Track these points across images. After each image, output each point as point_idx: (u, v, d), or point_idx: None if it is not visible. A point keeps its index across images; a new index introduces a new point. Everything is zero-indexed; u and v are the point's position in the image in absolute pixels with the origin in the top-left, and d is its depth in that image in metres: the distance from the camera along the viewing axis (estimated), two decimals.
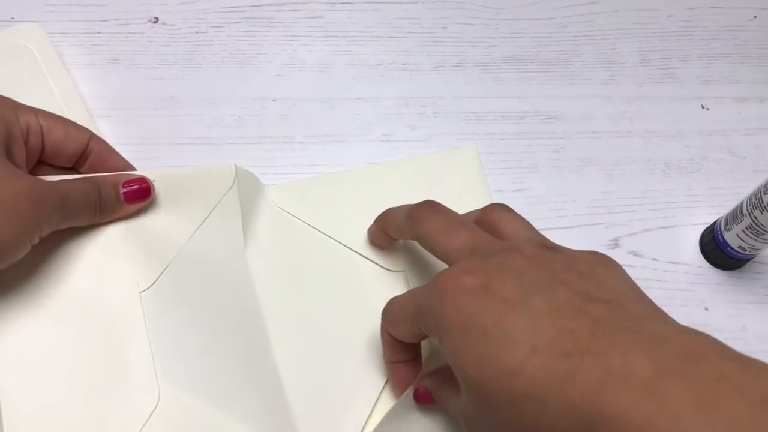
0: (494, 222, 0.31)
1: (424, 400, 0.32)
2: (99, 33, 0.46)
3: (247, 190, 0.38)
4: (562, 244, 0.41)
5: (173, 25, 0.47)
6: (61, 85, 0.42)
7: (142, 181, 0.35)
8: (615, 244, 0.42)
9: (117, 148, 0.38)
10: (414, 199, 0.33)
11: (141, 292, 0.34)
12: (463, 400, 0.26)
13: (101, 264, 0.34)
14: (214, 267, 0.36)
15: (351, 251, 0.39)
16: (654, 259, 0.42)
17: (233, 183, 0.37)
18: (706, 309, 0.40)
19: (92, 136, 0.35)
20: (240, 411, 0.32)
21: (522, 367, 0.22)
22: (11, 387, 0.30)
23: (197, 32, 0.47)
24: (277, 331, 0.36)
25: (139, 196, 0.34)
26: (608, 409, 0.20)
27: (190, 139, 0.43)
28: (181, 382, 0.32)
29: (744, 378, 0.20)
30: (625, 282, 0.26)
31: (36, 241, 0.30)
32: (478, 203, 0.35)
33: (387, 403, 0.35)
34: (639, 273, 0.41)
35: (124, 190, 0.34)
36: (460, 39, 0.48)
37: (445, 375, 0.31)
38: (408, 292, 0.30)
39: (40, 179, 0.30)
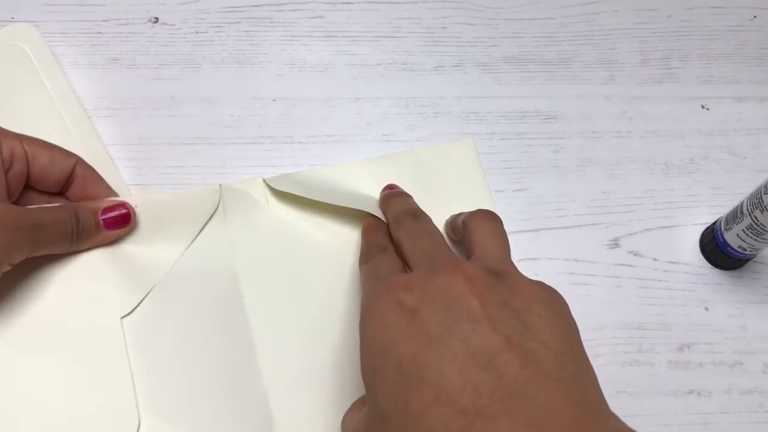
0: (471, 229, 0.32)
1: None
2: (99, 33, 0.46)
3: (236, 209, 0.38)
4: (563, 245, 0.41)
5: (173, 25, 0.47)
6: (57, 86, 0.42)
7: (123, 206, 0.34)
8: (615, 244, 0.42)
9: (117, 148, 0.37)
10: (411, 192, 0.34)
11: (122, 317, 0.33)
12: (364, 416, 0.27)
13: (81, 289, 0.33)
14: (201, 290, 0.36)
15: (344, 252, 0.38)
16: (654, 259, 0.42)
17: (218, 204, 0.38)
18: (706, 309, 0.40)
19: (78, 161, 0.35)
20: None
21: (423, 413, 0.23)
22: None
23: (197, 32, 0.47)
24: (266, 355, 0.35)
25: (120, 222, 0.34)
26: None
27: (190, 139, 0.43)
28: (164, 411, 0.32)
29: None
30: (556, 327, 0.25)
31: (6, 268, 0.29)
32: (475, 196, 0.36)
33: None
34: (639, 273, 0.41)
35: (104, 216, 0.34)
36: (460, 39, 0.48)
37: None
38: (375, 267, 0.31)
39: (13, 206, 0.30)
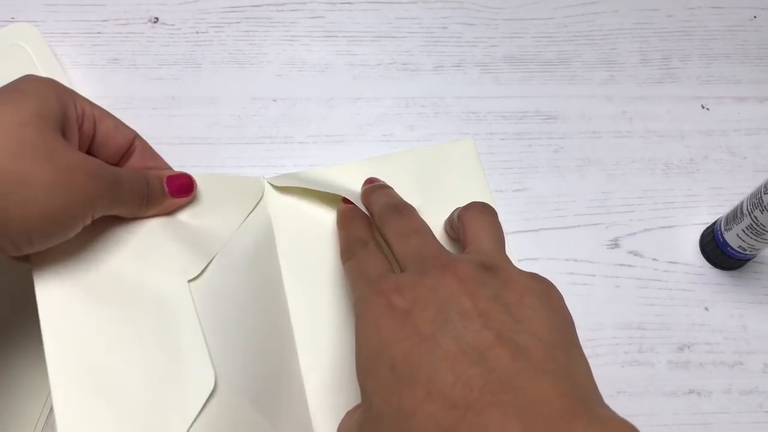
0: (465, 223, 0.32)
1: None
2: (99, 33, 0.46)
3: (277, 201, 0.40)
4: (563, 245, 0.41)
5: (173, 25, 0.47)
6: None
7: (186, 176, 0.35)
8: (615, 244, 0.42)
9: None
10: (412, 191, 0.34)
11: (189, 281, 0.33)
12: (358, 418, 0.27)
13: (147, 251, 0.33)
14: (249, 271, 0.37)
15: None
16: (654, 259, 0.42)
17: (263, 194, 0.40)
18: (706, 309, 0.40)
19: (137, 135, 0.35)
20: (276, 416, 0.33)
21: (416, 410, 0.23)
22: (63, 368, 0.29)
23: (197, 32, 0.47)
24: (302, 341, 0.37)
25: (184, 190, 0.34)
26: None
27: (190, 139, 0.43)
28: (227, 377, 0.32)
29: None
30: (549, 320, 0.25)
31: (88, 221, 0.29)
32: (475, 196, 0.36)
33: None
34: (639, 273, 0.41)
35: (169, 184, 0.34)
36: (460, 39, 0.48)
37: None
38: (361, 266, 0.32)
39: (93, 158, 0.30)
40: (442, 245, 0.30)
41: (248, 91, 0.45)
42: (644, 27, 0.49)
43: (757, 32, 0.50)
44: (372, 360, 0.26)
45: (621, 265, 0.41)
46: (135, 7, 0.47)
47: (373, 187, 0.38)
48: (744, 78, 0.48)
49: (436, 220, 0.35)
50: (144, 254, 0.33)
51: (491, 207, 0.33)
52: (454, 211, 0.34)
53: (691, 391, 0.38)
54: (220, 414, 0.30)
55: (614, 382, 0.38)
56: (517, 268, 0.28)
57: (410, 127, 0.45)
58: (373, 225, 0.36)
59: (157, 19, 0.47)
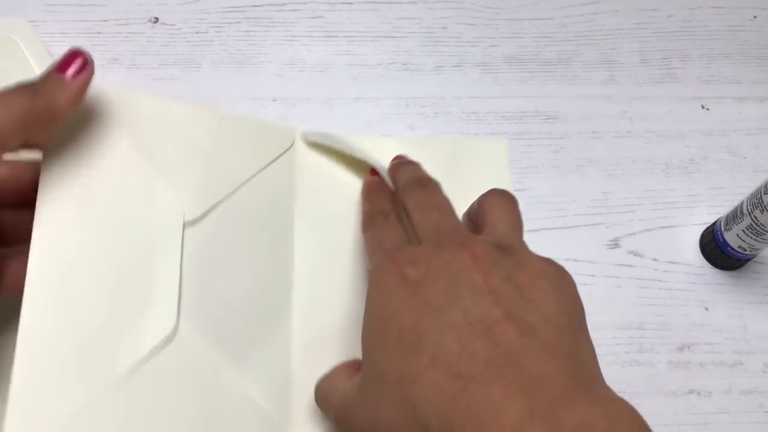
0: (485, 208, 0.32)
1: None
2: (99, 33, 0.46)
3: (305, 156, 0.41)
4: (563, 245, 0.41)
5: (173, 25, 0.47)
6: None
7: (73, 53, 0.31)
8: (615, 244, 0.42)
9: None
10: (437, 179, 0.35)
11: (185, 223, 0.33)
12: (348, 391, 0.28)
13: (152, 182, 0.32)
14: (258, 221, 0.37)
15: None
16: (654, 259, 0.42)
17: (292, 145, 0.40)
18: (706, 309, 0.40)
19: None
20: (245, 367, 0.33)
21: (419, 376, 0.23)
22: (40, 271, 0.28)
23: (197, 32, 0.47)
24: (300, 301, 0.37)
25: (78, 63, 0.30)
26: None
27: None
28: (200, 322, 0.32)
29: (604, 423, 0.21)
30: (560, 303, 0.26)
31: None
32: None
33: None
34: (639, 273, 0.41)
35: (59, 68, 0.30)
36: (460, 39, 0.48)
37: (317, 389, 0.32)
38: (380, 236, 0.32)
39: None
40: (460, 223, 0.30)
41: (248, 91, 0.45)
42: (644, 27, 0.49)
43: (757, 32, 0.50)
44: (380, 325, 0.26)
45: (621, 265, 0.41)
46: (135, 7, 0.47)
47: (401, 162, 0.38)
48: (744, 78, 0.48)
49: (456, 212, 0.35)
50: (148, 186, 0.32)
51: (512, 194, 0.33)
52: (474, 202, 0.34)
53: (691, 391, 0.38)
54: (177, 358, 0.31)
55: (614, 382, 0.38)
56: (532, 252, 0.28)
57: (410, 127, 0.45)
58: (396, 199, 0.36)
59: (157, 19, 0.47)
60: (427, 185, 0.33)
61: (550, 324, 0.24)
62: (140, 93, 0.34)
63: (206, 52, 0.46)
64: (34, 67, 0.42)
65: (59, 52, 0.44)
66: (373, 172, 0.39)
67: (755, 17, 0.50)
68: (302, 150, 0.41)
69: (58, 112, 0.28)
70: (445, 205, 0.32)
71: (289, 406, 0.35)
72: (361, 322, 0.37)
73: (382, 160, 0.40)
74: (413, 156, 0.41)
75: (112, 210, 0.31)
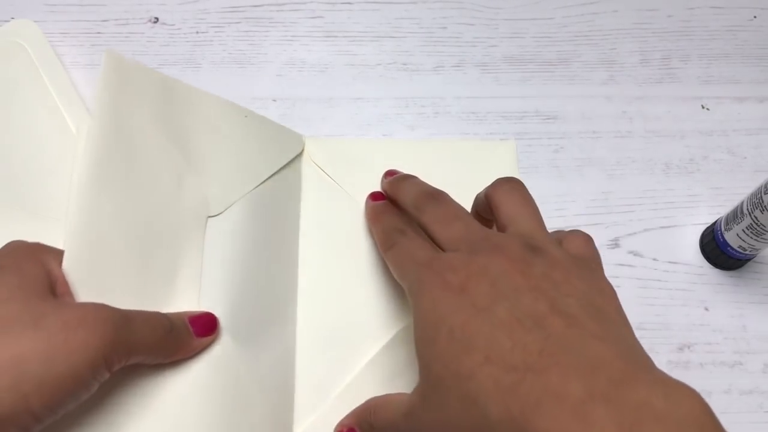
0: (498, 203, 0.32)
1: None
2: (99, 33, 0.46)
3: (312, 162, 0.42)
4: None
5: (173, 25, 0.47)
6: (58, 84, 0.42)
7: (209, 315, 0.33)
8: (615, 244, 0.42)
9: None
10: (446, 182, 0.35)
11: (209, 217, 0.35)
12: (412, 396, 0.28)
13: (183, 173, 0.34)
14: (271, 218, 0.38)
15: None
16: (654, 259, 0.42)
17: (302, 150, 0.42)
18: (706, 309, 0.40)
19: None
20: (255, 356, 0.34)
21: (474, 373, 0.24)
22: (75, 250, 0.29)
23: (197, 32, 0.47)
24: (304, 293, 0.38)
25: (208, 328, 0.32)
26: (541, 427, 0.22)
27: None
28: (216, 311, 0.33)
29: (665, 404, 0.21)
30: (594, 297, 0.26)
31: (104, 375, 0.26)
32: None
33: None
34: (639, 273, 0.41)
35: (193, 323, 0.31)
36: (460, 39, 0.48)
37: (367, 405, 0.33)
38: (405, 251, 0.32)
39: (93, 304, 0.27)
40: (484, 227, 0.31)
41: (248, 91, 0.45)
42: (644, 27, 0.49)
43: (757, 32, 0.50)
44: (430, 331, 0.27)
45: (621, 265, 0.41)
46: (135, 7, 0.47)
47: (398, 178, 0.38)
48: (744, 78, 0.48)
49: None
50: (179, 177, 0.34)
51: (519, 181, 0.33)
52: (481, 193, 0.34)
53: None
54: None
55: None
56: (559, 248, 0.28)
57: (410, 127, 0.45)
58: (405, 215, 0.36)
59: (157, 19, 0.47)
60: (438, 197, 0.33)
61: (592, 316, 0.25)
62: (177, 81, 0.36)
63: (206, 52, 0.46)
64: (42, 71, 0.42)
65: (60, 52, 0.45)
66: (374, 196, 0.39)
67: (755, 17, 0.50)
68: (308, 156, 0.42)
69: (179, 353, 0.31)
70: (464, 214, 0.32)
71: (292, 394, 0.36)
72: (360, 319, 0.37)
73: (390, 161, 0.40)
74: (423, 158, 0.41)
75: (145, 196, 0.33)
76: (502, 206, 0.31)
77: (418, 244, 0.32)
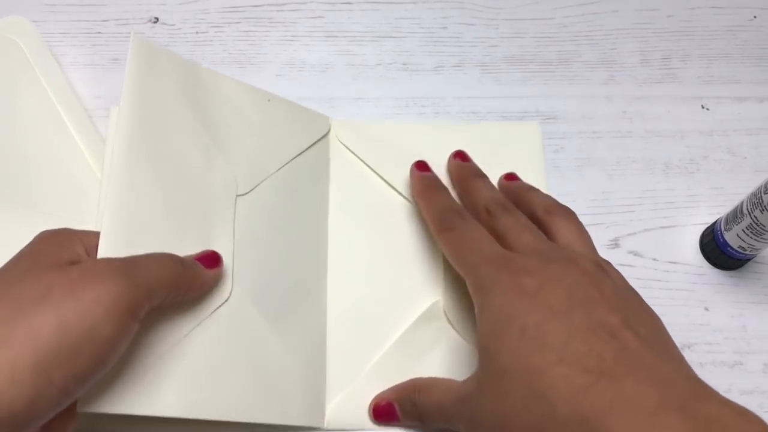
0: (554, 229, 0.34)
1: (382, 416, 0.34)
2: (99, 33, 0.46)
3: (339, 142, 0.42)
4: None
5: (173, 25, 0.47)
6: (53, 81, 0.42)
7: (210, 251, 0.33)
8: (615, 244, 0.42)
9: None
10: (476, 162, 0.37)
11: (238, 195, 0.35)
12: (468, 383, 0.29)
13: (212, 154, 0.35)
14: (298, 197, 0.39)
15: (401, 196, 0.41)
16: (654, 259, 0.42)
17: (328, 131, 0.42)
18: (706, 309, 0.40)
19: None
20: (286, 332, 0.35)
21: (546, 371, 0.25)
22: (112, 225, 0.29)
23: (197, 32, 0.47)
24: (334, 270, 0.39)
25: (214, 261, 0.32)
26: (614, 428, 0.22)
27: None
28: (248, 288, 0.34)
29: (738, 423, 0.22)
30: (653, 321, 0.28)
31: (133, 327, 0.26)
32: (532, 178, 0.40)
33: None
34: (639, 273, 0.41)
35: (201, 260, 0.31)
36: (460, 39, 0.48)
37: (413, 384, 0.34)
38: (469, 239, 0.33)
39: (96, 261, 0.28)
40: (551, 241, 0.33)
41: None
42: (644, 27, 0.49)
43: (757, 32, 0.50)
44: (501, 325, 0.27)
45: (621, 265, 0.41)
46: (135, 7, 0.47)
47: (472, 172, 0.39)
48: (744, 78, 0.48)
49: None
50: (209, 157, 0.35)
51: (572, 211, 0.35)
52: (511, 184, 0.38)
53: None
54: (231, 319, 0.33)
55: None
56: (619, 273, 0.31)
57: None
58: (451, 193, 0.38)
59: (157, 19, 0.47)
60: (511, 210, 0.35)
61: (657, 338, 0.27)
62: (200, 66, 0.37)
63: (206, 52, 0.46)
64: (37, 69, 0.42)
65: (60, 52, 0.45)
66: (419, 166, 0.39)
67: (755, 17, 0.50)
68: (335, 137, 0.43)
69: (195, 286, 0.30)
70: (532, 227, 0.33)
71: (324, 369, 0.36)
72: (386, 295, 0.38)
73: (419, 146, 0.41)
74: (452, 141, 0.42)
75: (178, 175, 0.33)
76: (559, 233, 0.33)
77: (482, 235, 0.33)
